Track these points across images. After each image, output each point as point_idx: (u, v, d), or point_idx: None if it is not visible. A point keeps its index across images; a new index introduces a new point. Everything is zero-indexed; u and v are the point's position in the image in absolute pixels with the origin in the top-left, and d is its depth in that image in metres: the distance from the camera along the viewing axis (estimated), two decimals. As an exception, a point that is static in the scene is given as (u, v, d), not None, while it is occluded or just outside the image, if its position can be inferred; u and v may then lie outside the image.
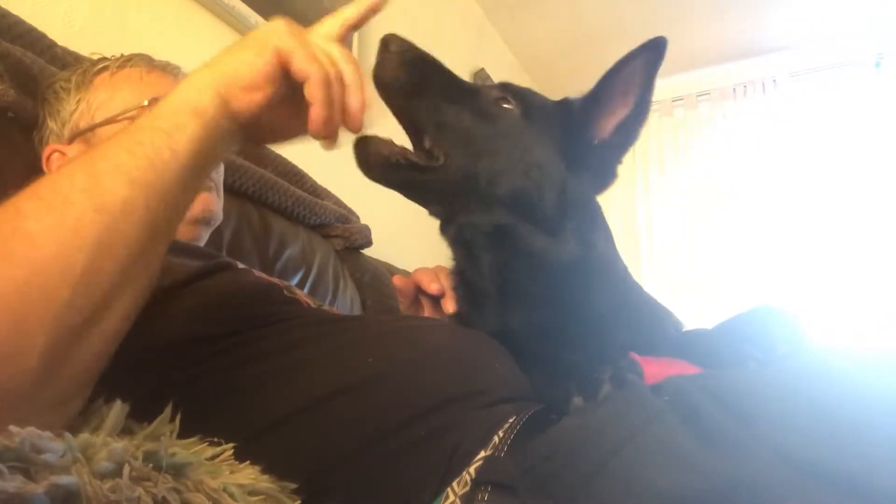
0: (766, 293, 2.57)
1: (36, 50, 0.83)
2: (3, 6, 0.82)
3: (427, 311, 0.77)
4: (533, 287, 0.62)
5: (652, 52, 0.62)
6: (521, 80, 3.11)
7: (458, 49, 2.50)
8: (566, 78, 3.09)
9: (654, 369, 0.48)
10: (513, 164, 0.62)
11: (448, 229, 0.66)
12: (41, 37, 0.86)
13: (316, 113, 0.49)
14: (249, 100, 0.48)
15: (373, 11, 0.54)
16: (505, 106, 0.65)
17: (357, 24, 0.54)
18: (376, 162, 0.60)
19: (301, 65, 0.48)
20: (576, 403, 0.47)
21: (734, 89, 2.90)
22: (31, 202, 0.41)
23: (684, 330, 0.66)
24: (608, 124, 0.66)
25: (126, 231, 0.41)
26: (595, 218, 0.68)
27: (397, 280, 0.81)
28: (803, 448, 0.32)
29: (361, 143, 0.60)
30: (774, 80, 2.83)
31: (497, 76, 2.65)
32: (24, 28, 0.84)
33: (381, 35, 0.64)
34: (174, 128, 0.45)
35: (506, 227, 0.61)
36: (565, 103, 0.68)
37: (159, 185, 0.43)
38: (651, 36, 0.63)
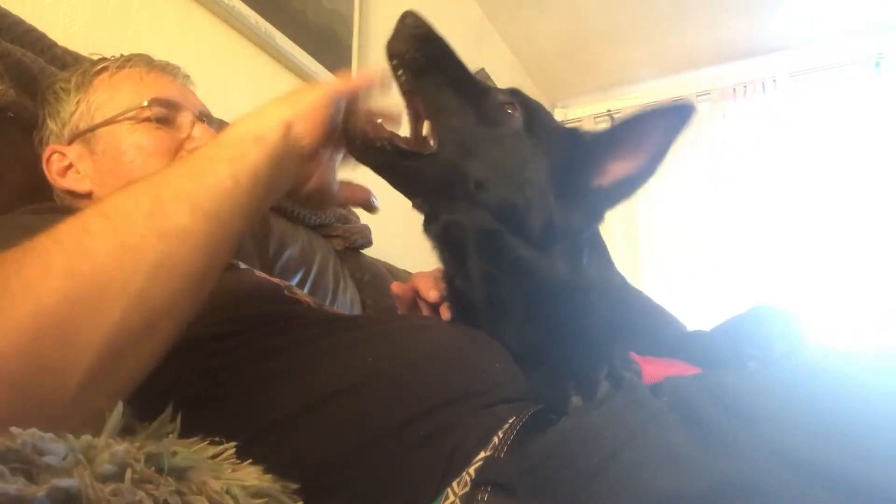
0: (766, 293, 2.58)
1: (36, 50, 0.83)
2: (3, 6, 0.82)
3: None
4: (522, 301, 0.60)
5: (677, 117, 0.59)
6: (521, 80, 3.10)
7: (458, 49, 2.49)
8: (566, 78, 3.10)
9: (654, 369, 0.48)
10: (505, 174, 0.60)
11: (431, 227, 0.64)
12: (41, 37, 0.85)
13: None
14: (315, 118, 0.51)
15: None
16: (509, 111, 0.63)
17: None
18: (361, 142, 0.58)
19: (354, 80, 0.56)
20: (574, 403, 0.47)
21: (734, 89, 2.90)
22: (97, 220, 0.41)
23: (685, 331, 0.66)
24: (611, 172, 0.63)
25: (183, 258, 0.42)
26: (585, 244, 0.64)
27: (395, 287, 0.81)
28: (803, 448, 0.32)
29: (348, 119, 0.58)
30: (774, 80, 2.83)
31: (497, 76, 2.64)
32: (24, 28, 0.84)
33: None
34: (237, 156, 0.47)
35: (493, 233, 0.60)
36: (573, 134, 0.66)
37: (220, 214, 0.45)
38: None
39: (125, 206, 0.42)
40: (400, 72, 0.60)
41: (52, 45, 0.87)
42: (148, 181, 0.45)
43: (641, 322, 0.65)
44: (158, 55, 0.83)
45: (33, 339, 0.35)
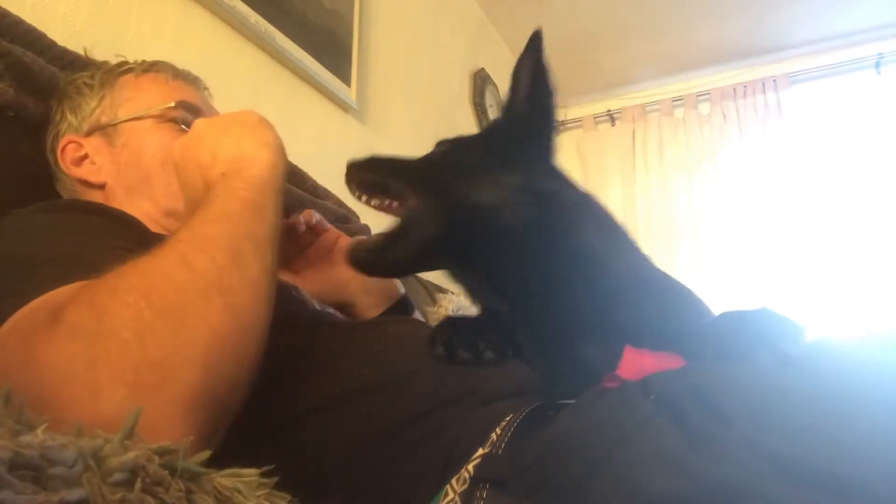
0: (764, 292, 2.58)
1: (36, 50, 0.83)
2: (3, 6, 0.82)
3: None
4: (542, 282, 0.61)
5: (533, 47, 0.73)
6: (521, 79, 3.10)
7: (458, 49, 2.50)
8: (566, 78, 3.09)
9: (651, 363, 0.47)
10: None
11: (462, 276, 0.66)
12: (41, 37, 0.85)
13: None
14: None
15: None
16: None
17: None
18: (359, 258, 0.63)
19: None
20: (567, 401, 0.47)
21: (734, 89, 2.90)
22: (182, 273, 0.43)
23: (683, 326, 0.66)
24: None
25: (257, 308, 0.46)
26: (587, 219, 0.69)
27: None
28: (779, 446, 0.32)
29: (348, 253, 0.64)
30: (774, 81, 2.83)
31: (497, 76, 2.64)
32: (24, 28, 0.83)
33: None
34: (271, 203, 0.55)
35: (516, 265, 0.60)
36: (493, 128, 0.77)
37: (273, 262, 0.50)
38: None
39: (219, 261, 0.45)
40: (364, 198, 0.67)
41: (52, 44, 0.87)
42: (226, 227, 0.48)
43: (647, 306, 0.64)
44: (158, 55, 0.83)
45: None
